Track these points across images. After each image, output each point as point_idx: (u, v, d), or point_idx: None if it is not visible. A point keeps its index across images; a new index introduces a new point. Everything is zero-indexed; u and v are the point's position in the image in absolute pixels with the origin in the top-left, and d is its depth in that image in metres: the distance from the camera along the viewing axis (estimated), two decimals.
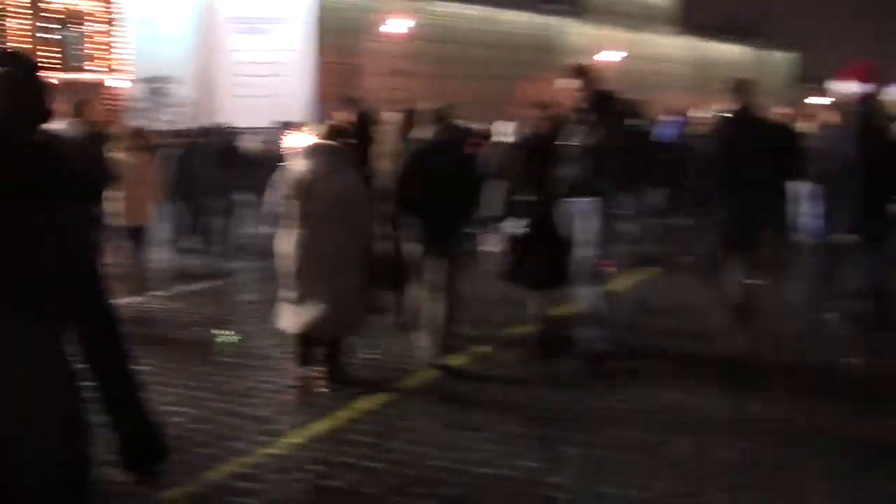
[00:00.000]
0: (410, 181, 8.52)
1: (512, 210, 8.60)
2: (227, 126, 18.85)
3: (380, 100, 30.18)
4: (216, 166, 15.89)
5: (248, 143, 18.51)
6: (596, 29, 58.88)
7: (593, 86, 8.21)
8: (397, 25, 45.70)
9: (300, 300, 7.68)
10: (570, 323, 8.56)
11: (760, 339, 8.42)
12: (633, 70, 58.08)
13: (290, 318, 7.74)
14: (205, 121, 23.29)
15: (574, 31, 57.79)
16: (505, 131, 8.88)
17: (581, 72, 8.29)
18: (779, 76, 71.48)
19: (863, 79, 8.31)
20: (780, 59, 75.38)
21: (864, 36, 75.18)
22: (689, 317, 9.46)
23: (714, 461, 6.17)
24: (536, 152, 8.49)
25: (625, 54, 59.11)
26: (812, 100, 37.06)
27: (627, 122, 8.51)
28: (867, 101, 8.31)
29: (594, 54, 55.08)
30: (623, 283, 11.80)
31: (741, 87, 8.69)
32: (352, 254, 7.72)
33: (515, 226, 8.59)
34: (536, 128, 8.73)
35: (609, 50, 57.70)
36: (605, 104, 8.23)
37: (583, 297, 8.25)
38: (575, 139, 8.11)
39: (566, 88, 8.24)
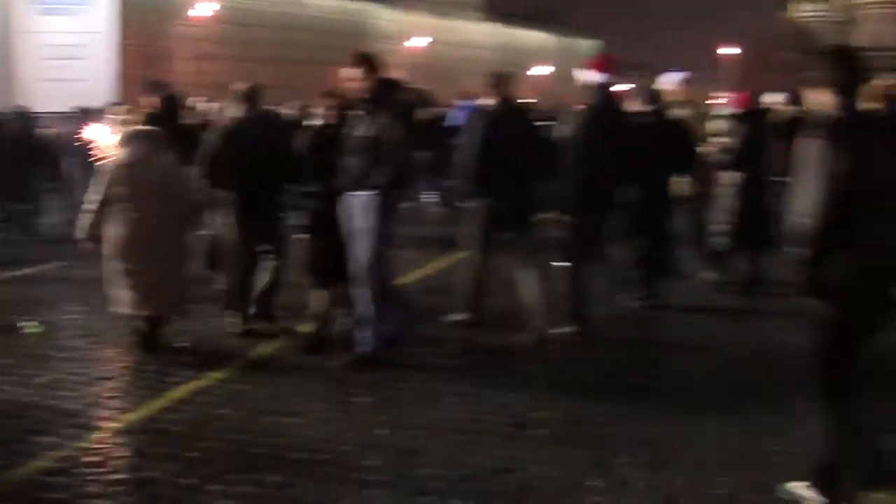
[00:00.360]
0: (221, 161, 8.51)
1: (302, 200, 8.47)
2: (23, 110, 18.17)
3: (186, 84, 29.71)
4: (12, 153, 15.39)
5: (46, 129, 17.92)
6: (405, 15, 59.18)
7: (376, 75, 7.97)
8: (204, 8, 44.94)
9: (125, 284, 7.88)
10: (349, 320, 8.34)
11: (560, 317, 8.68)
12: (440, 56, 58.74)
13: (121, 300, 7.97)
14: (1, 105, 22.46)
15: (383, 17, 57.96)
16: (315, 116, 8.79)
17: (363, 60, 7.99)
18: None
19: (601, 69, 8.74)
20: (584, 47, 77.19)
21: (667, 25, 77.89)
22: (498, 297, 9.58)
23: (529, 436, 6.34)
24: (322, 141, 8.36)
25: (431, 40, 59.67)
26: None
27: (419, 111, 8.54)
28: (602, 90, 8.81)
29: (403, 40, 55.46)
30: (430, 267, 11.98)
31: (501, 80, 8.99)
32: (174, 237, 8.03)
33: (300, 217, 8.47)
34: (324, 117, 8.55)
35: (417, 36, 58.16)
36: (388, 93, 8.08)
37: (357, 297, 7.99)
38: (358, 130, 7.90)
39: (350, 77, 8.02)
